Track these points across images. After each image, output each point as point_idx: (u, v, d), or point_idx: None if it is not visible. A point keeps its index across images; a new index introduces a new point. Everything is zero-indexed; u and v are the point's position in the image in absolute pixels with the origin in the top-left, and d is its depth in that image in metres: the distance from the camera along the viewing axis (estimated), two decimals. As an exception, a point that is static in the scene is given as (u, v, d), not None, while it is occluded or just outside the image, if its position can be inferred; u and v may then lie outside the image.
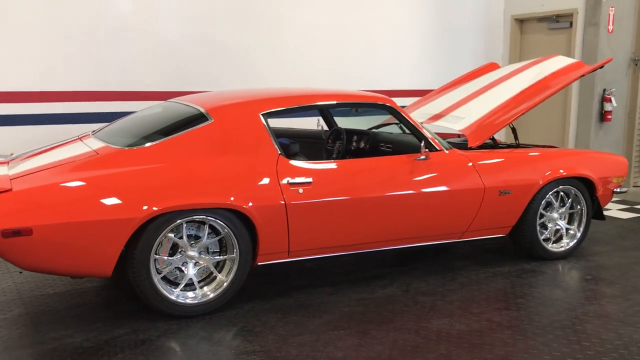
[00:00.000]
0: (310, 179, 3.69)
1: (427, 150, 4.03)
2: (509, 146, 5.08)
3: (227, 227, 3.50)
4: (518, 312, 3.62)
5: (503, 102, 4.80)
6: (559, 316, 3.55)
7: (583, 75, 4.82)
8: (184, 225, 3.45)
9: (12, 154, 4.05)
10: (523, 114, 4.61)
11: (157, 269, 3.43)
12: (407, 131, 4.27)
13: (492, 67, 5.87)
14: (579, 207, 4.69)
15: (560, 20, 7.67)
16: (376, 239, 3.98)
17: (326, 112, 5.16)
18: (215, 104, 3.85)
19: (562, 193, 4.58)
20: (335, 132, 4.75)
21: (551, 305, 3.72)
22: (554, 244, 4.66)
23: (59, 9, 5.42)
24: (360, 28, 7.09)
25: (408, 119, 4.15)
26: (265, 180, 3.59)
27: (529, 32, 8.10)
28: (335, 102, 4.13)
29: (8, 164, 3.69)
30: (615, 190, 4.84)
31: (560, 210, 4.65)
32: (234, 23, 6.32)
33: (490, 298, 3.85)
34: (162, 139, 3.56)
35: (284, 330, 3.34)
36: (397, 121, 4.33)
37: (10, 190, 3.15)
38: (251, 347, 3.13)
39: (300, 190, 3.65)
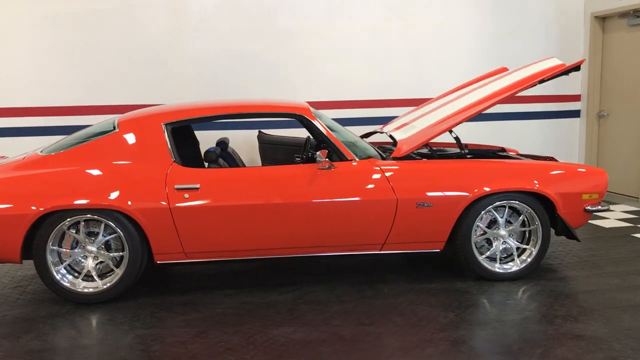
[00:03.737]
0: (197, 185, 3.93)
1: (327, 159, 4.00)
2: (452, 155, 4.72)
3: (118, 227, 3.90)
4: (377, 328, 3.47)
5: (455, 110, 4.53)
6: (418, 336, 3.34)
7: (544, 80, 4.33)
8: (82, 222, 3.93)
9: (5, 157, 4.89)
10: (459, 123, 4.30)
11: (61, 259, 3.95)
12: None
13: (500, 71, 5.48)
14: (535, 224, 4.23)
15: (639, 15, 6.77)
16: (274, 245, 4.07)
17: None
18: (129, 116, 4.29)
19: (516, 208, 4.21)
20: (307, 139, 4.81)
21: (426, 326, 3.49)
22: (503, 264, 4.27)
23: (98, 31, 6.26)
24: (402, 35, 6.96)
25: (320, 129, 4.16)
26: (153, 185, 3.92)
27: (611, 30, 7.24)
28: (240, 112, 4.29)
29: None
30: (589, 208, 4.27)
31: (509, 228, 4.25)
32: (265, 38, 6.66)
33: (374, 313, 3.71)
34: (71, 147, 4.09)
35: (142, 323, 3.64)
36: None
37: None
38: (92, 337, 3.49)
39: (186, 195, 3.91)
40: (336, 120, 6.58)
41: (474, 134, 6.83)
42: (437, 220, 4.12)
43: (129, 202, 3.86)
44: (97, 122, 6.03)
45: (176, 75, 6.52)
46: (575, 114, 7.46)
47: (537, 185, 4.13)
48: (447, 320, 3.58)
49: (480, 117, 6.91)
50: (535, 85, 4.34)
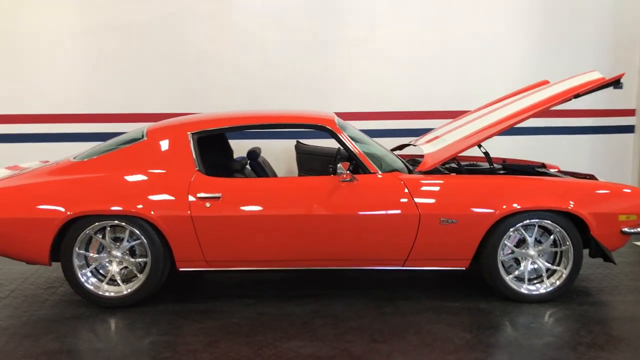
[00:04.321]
0: (219, 194, 3.97)
1: (348, 172, 3.96)
2: (483, 170, 4.58)
3: (141, 234, 3.99)
4: (390, 347, 3.40)
5: (486, 124, 4.40)
6: (430, 356, 3.25)
7: (579, 95, 4.15)
8: (108, 228, 4.03)
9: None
10: (488, 137, 4.18)
11: (87, 263, 4.07)
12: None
13: (540, 84, 5.29)
14: (566, 245, 4.05)
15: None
16: (293, 257, 4.05)
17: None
18: (158, 125, 4.38)
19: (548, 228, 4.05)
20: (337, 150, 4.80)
21: (441, 346, 3.39)
22: (532, 285, 4.11)
23: (143, 42, 6.43)
24: (444, 46, 6.83)
25: (345, 141, 4.13)
26: (176, 193, 3.98)
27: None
28: (264, 123, 4.31)
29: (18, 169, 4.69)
30: (626, 230, 4.05)
31: (539, 248, 4.09)
32: (305, 49, 6.67)
33: (388, 331, 3.63)
34: (101, 154, 4.21)
35: (158, 329, 3.69)
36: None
37: (-19, 190, 4.08)
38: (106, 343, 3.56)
39: (208, 204, 3.96)
40: (374, 131, 6.56)
41: (518, 148, 6.62)
42: (461, 238, 4.00)
43: (153, 210, 3.93)
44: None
45: (216, 85, 6.63)
46: (628, 129, 7.11)
47: (570, 205, 3.95)
48: (463, 341, 3.46)
49: (525, 131, 6.73)
50: (570, 99, 4.16)
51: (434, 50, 6.81)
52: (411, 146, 5.29)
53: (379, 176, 4.04)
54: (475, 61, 6.90)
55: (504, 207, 3.94)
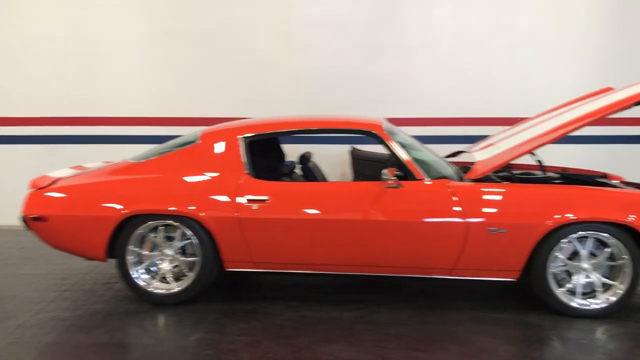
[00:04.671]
0: (266, 197, 4.04)
1: (394, 178, 3.94)
2: (538, 179, 4.43)
3: (192, 233, 4.12)
4: (428, 355, 3.35)
5: (540, 132, 4.27)
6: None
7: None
8: (161, 227, 4.19)
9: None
10: (541, 146, 4.05)
11: (141, 260, 4.24)
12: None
13: (604, 91, 5.09)
14: (623, 259, 3.88)
15: None
16: (337, 262, 4.07)
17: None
18: (211, 128, 4.50)
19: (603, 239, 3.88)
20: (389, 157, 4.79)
21: (480, 357, 3.32)
22: (585, 300, 3.95)
23: (207, 49, 6.63)
24: (507, 50, 6.68)
25: (392, 147, 4.12)
26: (225, 195, 4.08)
27: None
28: (313, 128, 4.35)
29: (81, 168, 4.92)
30: (691, 245, 3.84)
31: (593, 261, 3.93)
32: (363, 54, 6.70)
33: (429, 340, 3.59)
34: (157, 156, 4.37)
35: (204, 327, 3.80)
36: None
37: (45, 187, 4.34)
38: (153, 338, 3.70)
39: (255, 207, 4.04)
40: (431, 137, 6.50)
41: (581, 157, 6.39)
42: (510, 248, 3.89)
43: (203, 211, 4.04)
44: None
45: (276, 90, 6.74)
46: None
47: (629, 218, 3.77)
48: (506, 353, 3.38)
49: (588, 139, 6.48)
50: (630, 107, 3.99)
51: (496, 56, 6.67)
52: (466, 153, 5.20)
53: (426, 183, 4.00)
54: (540, 66, 6.71)
55: (556, 217, 3.81)
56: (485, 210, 3.90)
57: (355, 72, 6.69)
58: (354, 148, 5.91)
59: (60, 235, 4.26)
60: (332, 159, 6.68)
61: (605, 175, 4.79)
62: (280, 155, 5.38)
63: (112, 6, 6.54)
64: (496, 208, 3.90)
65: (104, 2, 6.54)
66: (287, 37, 6.65)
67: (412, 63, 6.67)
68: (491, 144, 4.78)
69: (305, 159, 4.97)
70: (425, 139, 6.49)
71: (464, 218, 3.88)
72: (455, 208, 3.90)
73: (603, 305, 3.90)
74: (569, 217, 3.80)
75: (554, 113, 4.77)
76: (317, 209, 4.02)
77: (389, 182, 3.93)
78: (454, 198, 3.92)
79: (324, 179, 5.24)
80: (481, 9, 6.58)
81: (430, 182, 4.00)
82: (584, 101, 4.71)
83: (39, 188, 4.34)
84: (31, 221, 4.24)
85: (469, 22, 6.60)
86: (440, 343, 3.53)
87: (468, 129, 6.77)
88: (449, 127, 6.80)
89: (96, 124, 6.71)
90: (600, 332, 3.68)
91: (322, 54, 6.65)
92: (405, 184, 3.99)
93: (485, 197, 3.94)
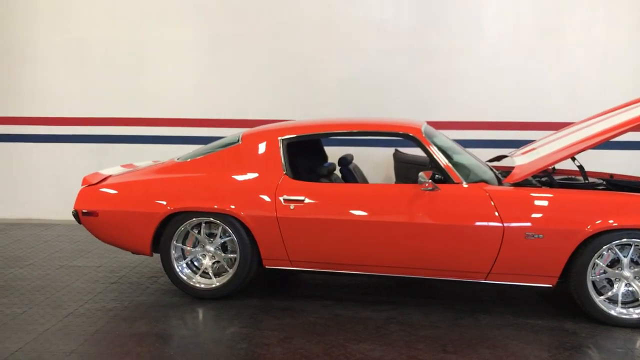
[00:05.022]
0: (303, 197, 4.14)
1: (430, 181, 3.97)
2: (580, 185, 4.36)
3: (232, 231, 4.25)
4: (459, 358, 3.37)
5: (582, 137, 4.22)
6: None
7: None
8: (202, 224, 4.34)
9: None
10: (581, 151, 4.00)
11: (184, 256, 4.40)
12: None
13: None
14: (668, 269, 3.80)
15: None
16: (372, 262, 4.12)
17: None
18: (253, 130, 4.62)
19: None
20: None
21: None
22: (625, 309, 3.88)
23: (254, 51, 6.77)
24: (556, 54, 6.57)
25: (430, 150, 4.15)
26: (264, 195, 4.20)
27: None
28: (352, 130, 4.41)
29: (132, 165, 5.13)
30: None
31: (635, 269, 3.86)
32: (409, 57, 6.69)
33: (461, 343, 3.60)
34: (201, 156, 4.53)
35: (240, 322, 3.92)
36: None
37: (97, 184, 4.56)
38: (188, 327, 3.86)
39: (292, 207, 4.14)
40: (479, 141, 6.48)
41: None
42: (547, 253, 3.86)
43: (243, 209, 4.17)
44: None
45: (321, 93, 6.82)
46: None
47: (671, 225, 3.68)
48: (539, 359, 3.35)
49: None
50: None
51: (545, 58, 6.58)
52: (508, 158, 5.16)
53: (464, 186, 4.00)
54: (590, 70, 6.58)
55: (595, 223, 3.75)
56: (522, 215, 3.87)
57: (400, 75, 6.71)
58: (397, 151, 5.94)
59: (109, 229, 4.46)
60: (377, 161, 6.73)
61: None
62: (323, 157, 5.46)
63: (161, 10, 6.77)
64: (533, 213, 3.87)
65: (154, 6, 6.77)
66: (333, 41, 6.73)
67: (457, 67, 6.63)
68: (533, 149, 4.74)
69: (345, 161, 5.03)
70: (472, 143, 6.52)
71: (500, 222, 3.87)
72: (491, 212, 3.89)
73: (644, 314, 3.82)
74: (608, 223, 3.74)
75: (599, 118, 4.69)
76: (352, 210, 4.08)
77: (425, 184, 3.96)
78: (491, 202, 3.91)
79: (364, 181, 5.29)
80: (529, 12, 6.49)
81: (467, 186, 4.00)
82: (631, 106, 4.61)
83: (91, 184, 4.56)
84: (82, 216, 4.47)
85: (516, 24, 6.52)
86: (474, 347, 3.54)
87: (516, 133, 6.69)
88: (496, 131, 6.74)
89: (146, 124, 6.95)
90: (638, 342, 3.60)
91: (367, 57, 6.69)
92: (442, 187, 4.00)
93: (522, 201, 3.91)
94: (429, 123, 6.25)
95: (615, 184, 4.55)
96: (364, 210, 4.07)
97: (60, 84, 6.94)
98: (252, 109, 6.88)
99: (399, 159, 5.78)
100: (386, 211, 4.05)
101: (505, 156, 5.25)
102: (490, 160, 5.24)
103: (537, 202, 3.90)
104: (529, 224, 3.85)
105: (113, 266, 5.15)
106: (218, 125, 6.95)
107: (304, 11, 6.71)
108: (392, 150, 6.14)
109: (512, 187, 4.01)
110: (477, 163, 4.52)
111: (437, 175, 4.08)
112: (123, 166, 5.07)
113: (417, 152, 5.95)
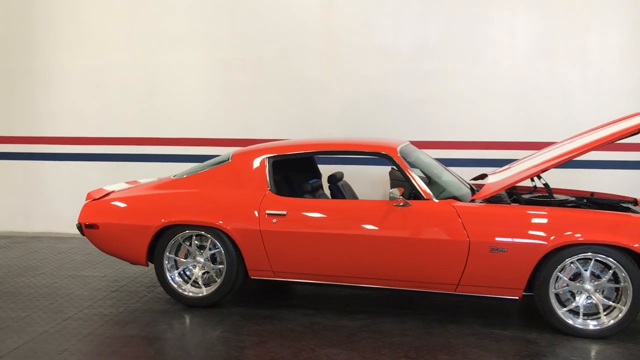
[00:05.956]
0: (284, 212, 4.44)
1: (401, 197, 4.23)
2: (551, 202, 4.51)
3: (219, 243, 4.57)
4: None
5: (550, 156, 4.43)
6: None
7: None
8: (193, 237, 4.67)
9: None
10: (544, 170, 4.22)
11: (177, 266, 4.74)
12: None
13: (633, 116, 5.13)
14: (625, 282, 3.96)
15: None
16: (348, 274, 4.38)
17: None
18: (242, 149, 4.96)
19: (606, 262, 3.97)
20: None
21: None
22: (587, 320, 4.05)
23: (261, 75, 7.13)
24: (550, 75, 6.76)
25: (402, 168, 4.41)
26: (249, 209, 4.51)
27: None
28: (330, 150, 4.72)
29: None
30: (694, 270, 3.86)
31: (596, 282, 4.03)
32: (408, 79, 6.95)
33: (424, 350, 3.82)
34: (194, 173, 4.88)
35: (223, 327, 4.22)
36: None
37: (99, 199, 4.95)
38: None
39: (274, 220, 4.44)
40: (474, 160, 6.69)
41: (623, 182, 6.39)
42: (511, 267, 4.06)
43: (230, 223, 4.49)
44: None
45: (324, 114, 7.14)
46: None
47: (629, 241, 3.85)
48: (491, 366, 3.55)
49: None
50: (636, 133, 4.08)
51: (539, 80, 6.77)
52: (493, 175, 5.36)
53: (434, 202, 4.24)
54: (584, 92, 6.75)
55: (554, 239, 3.95)
56: (486, 229, 4.09)
57: (399, 97, 6.97)
58: (393, 169, 6.18)
59: (109, 241, 4.83)
60: (375, 179, 6.99)
61: (636, 201, 4.81)
62: (315, 174, 5.75)
63: (174, 37, 7.21)
64: (497, 228, 4.08)
65: (167, 34, 7.22)
66: (335, 64, 7.06)
67: (453, 89, 6.87)
68: (509, 168, 4.94)
69: (334, 178, 5.31)
70: (468, 162, 6.76)
71: (466, 237, 4.09)
72: (458, 227, 4.12)
73: (605, 326, 3.97)
74: (567, 238, 3.93)
75: (573, 139, 4.87)
76: (329, 225, 4.36)
77: (397, 200, 4.21)
78: (458, 217, 4.14)
79: (353, 198, 5.55)
80: (522, 36, 6.72)
81: (436, 202, 4.24)
82: (603, 127, 4.79)
83: (94, 199, 4.94)
84: (85, 228, 4.85)
85: (510, 47, 6.74)
86: (434, 353, 3.76)
87: (512, 153, 6.86)
88: (492, 150, 6.93)
89: (159, 144, 7.37)
90: (595, 352, 3.77)
91: (367, 79, 6.99)
92: (413, 202, 4.26)
93: (487, 217, 4.14)
94: (427, 143, 6.57)
95: (594, 201, 4.72)
96: (340, 224, 4.35)
97: (79, 106, 7.43)
98: (258, 129, 7.23)
99: (394, 177, 6.03)
100: (360, 225, 4.31)
101: (486, 175, 5.46)
102: (475, 179, 5.45)
103: (500, 218, 4.12)
104: (492, 239, 4.06)
105: (117, 276, 5.51)
106: (226, 144, 7.31)
107: (307, 37, 7.06)
108: (388, 168, 6.40)
109: (478, 204, 4.24)
110: (454, 180, 4.76)
111: (413, 192, 4.34)
112: (127, 183, 5.45)
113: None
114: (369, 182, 6.90)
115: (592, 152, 6.59)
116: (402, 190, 4.25)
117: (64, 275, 5.53)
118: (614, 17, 6.61)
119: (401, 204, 4.22)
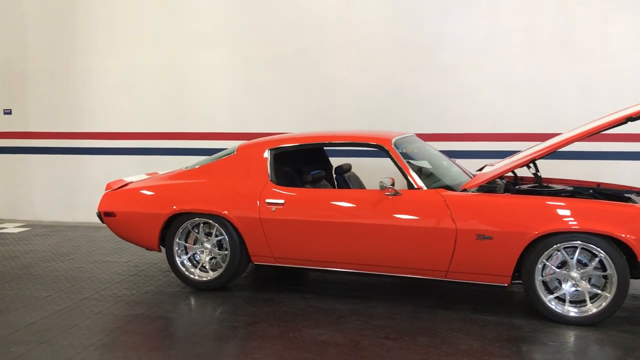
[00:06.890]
0: (282, 201, 4.67)
1: (392, 186, 4.39)
2: (539, 192, 4.58)
3: (224, 231, 4.85)
4: (396, 344, 3.76)
5: (543, 146, 4.49)
6: (423, 356, 3.56)
7: (633, 119, 4.06)
8: (201, 224, 4.97)
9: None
10: (533, 159, 4.29)
11: (186, 251, 5.05)
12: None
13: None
14: (611, 270, 4.00)
15: None
16: (343, 260, 4.57)
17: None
18: (247, 142, 5.22)
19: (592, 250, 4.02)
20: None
21: (441, 349, 3.65)
22: (573, 307, 4.11)
23: (281, 71, 7.40)
24: (568, 67, 6.74)
25: (395, 159, 4.56)
26: (251, 199, 4.77)
27: None
28: (325, 142, 4.91)
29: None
30: (678, 258, 3.87)
31: (582, 270, 4.09)
32: (424, 73, 7.08)
33: (406, 332, 3.97)
34: (202, 164, 5.18)
35: (222, 309, 4.49)
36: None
37: (117, 189, 5.31)
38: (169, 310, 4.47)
39: (273, 209, 4.68)
40: (490, 152, 6.73)
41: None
42: (498, 254, 4.16)
43: (233, 211, 4.75)
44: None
45: (342, 108, 7.34)
46: None
47: (614, 229, 3.89)
48: (468, 347, 3.68)
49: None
50: (623, 123, 4.10)
51: (556, 72, 6.75)
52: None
53: (423, 191, 4.38)
54: (602, 83, 6.68)
55: (540, 227, 4.02)
56: (473, 217, 4.20)
57: (415, 90, 7.10)
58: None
59: (125, 228, 5.18)
60: (390, 172, 7.11)
61: (641, 191, 4.79)
62: (326, 166, 5.95)
63: (200, 37, 7.56)
64: (483, 216, 4.19)
65: (194, 34, 7.57)
66: (352, 59, 7.23)
67: (468, 81, 6.93)
68: (505, 159, 5.01)
69: (340, 169, 5.50)
70: (483, 154, 6.81)
71: (454, 225, 4.21)
72: (446, 215, 4.24)
73: (591, 313, 4.02)
74: (552, 227, 4.00)
75: (567, 131, 4.90)
76: (324, 213, 4.56)
77: (388, 190, 4.38)
78: (446, 206, 4.26)
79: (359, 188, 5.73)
80: (538, 28, 6.71)
81: (426, 191, 4.38)
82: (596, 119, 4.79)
83: (112, 189, 5.31)
84: (104, 216, 5.22)
85: (526, 40, 6.74)
86: (415, 335, 3.91)
87: (528, 144, 6.85)
88: (508, 142, 6.95)
89: (186, 138, 7.73)
90: (574, 337, 3.83)
91: (383, 73, 7.14)
92: (404, 192, 4.41)
93: (474, 206, 4.24)
94: (443, 135, 6.69)
95: (600, 192, 4.74)
96: (334, 213, 4.54)
97: (113, 103, 7.89)
98: (279, 123, 7.48)
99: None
100: (354, 214, 4.49)
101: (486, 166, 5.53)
102: (479, 170, 5.53)
103: (487, 207, 4.22)
104: (479, 226, 4.17)
105: (138, 262, 5.88)
106: (249, 138, 7.52)
107: (327, 34, 7.26)
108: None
109: (466, 193, 4.35)
110: (455, 171, 4.88)
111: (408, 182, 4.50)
112: (147, 174, 5.80)
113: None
114: (382, 173, 7.02)
115: (612, 143, 6.65)
116: (393, 179, 4.39)
117: (90, 261, 5.93)
118: (633, 5, 6.51)
119: (392, 193, 4.38)
